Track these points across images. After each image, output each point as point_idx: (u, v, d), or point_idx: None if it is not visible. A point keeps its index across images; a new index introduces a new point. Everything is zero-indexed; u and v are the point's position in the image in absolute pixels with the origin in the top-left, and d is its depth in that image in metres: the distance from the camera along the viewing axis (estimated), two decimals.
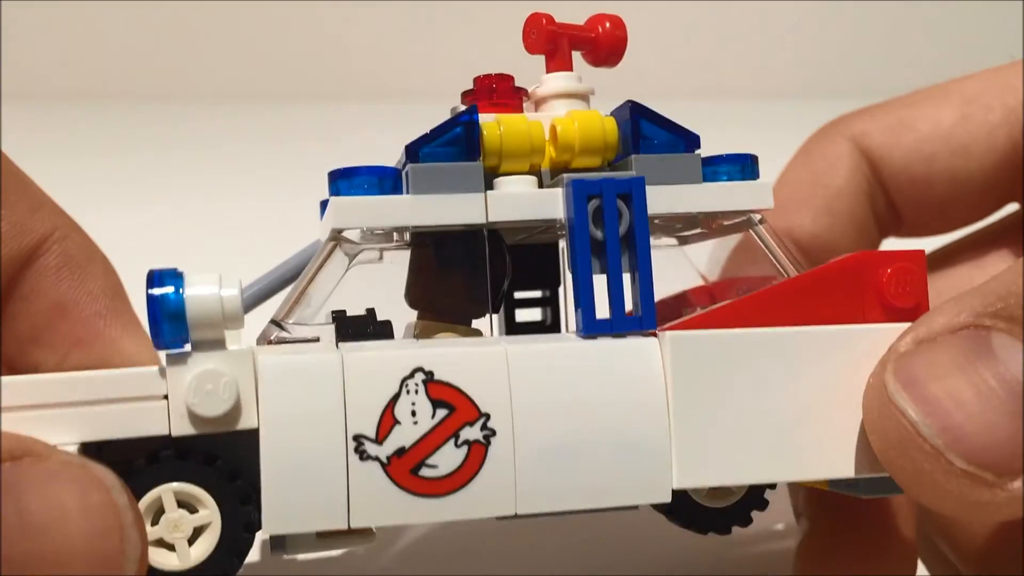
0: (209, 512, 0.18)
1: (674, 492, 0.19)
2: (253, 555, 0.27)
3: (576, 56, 0.23)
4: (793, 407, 0.19)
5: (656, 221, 0.22)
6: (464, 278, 0.21)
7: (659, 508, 0.21)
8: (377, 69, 0.54)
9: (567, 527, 0.28)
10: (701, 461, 0.19)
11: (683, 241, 0.26)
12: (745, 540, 0.29)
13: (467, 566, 0.27)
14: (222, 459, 0.18)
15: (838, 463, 0.19)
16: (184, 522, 0.18)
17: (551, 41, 0.22)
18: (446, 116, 0.20)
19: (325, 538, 0.20)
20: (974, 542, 0.26)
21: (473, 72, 0.22)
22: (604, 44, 0.23)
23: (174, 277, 0.18)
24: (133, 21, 0.54)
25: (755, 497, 0.21)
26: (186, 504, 0.18)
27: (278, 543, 0.20)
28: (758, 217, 0.22)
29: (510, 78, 0.22)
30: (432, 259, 0.22)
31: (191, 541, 0.18)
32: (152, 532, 0.17)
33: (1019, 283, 0.18)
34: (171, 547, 0.18)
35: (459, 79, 0.22)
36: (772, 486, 0.21)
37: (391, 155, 0.21)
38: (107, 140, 0.41)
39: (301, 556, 0.23)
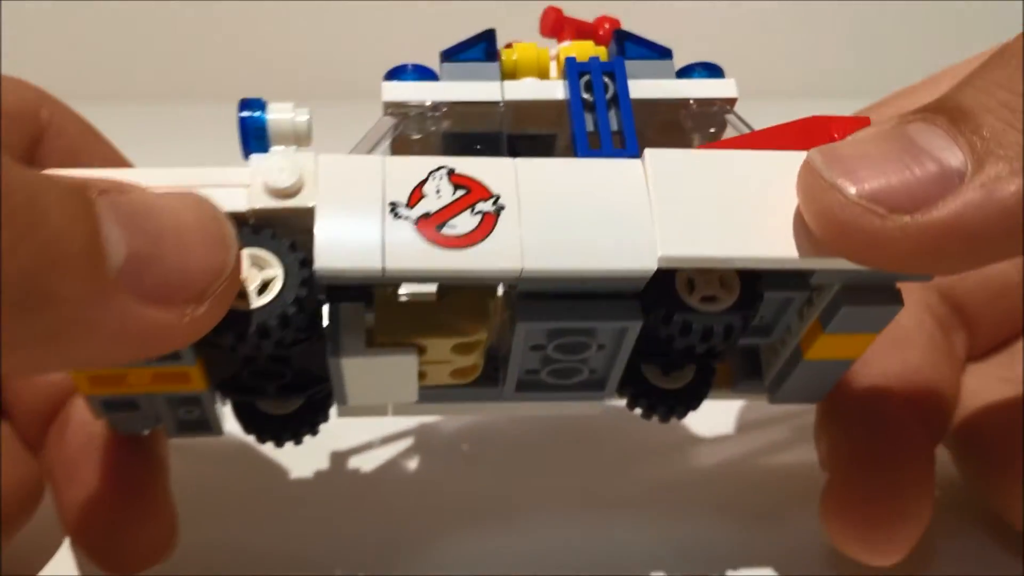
0: (275, 270, 0.22)
1: (659, 268, 0.22)
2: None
3: None
4: (752, 207, 0.23)
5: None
6: None
7: (626, 393, 0.26)
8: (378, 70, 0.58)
9: (567, 527, 0.30)
10: (679, 237, 0.22)
11: None
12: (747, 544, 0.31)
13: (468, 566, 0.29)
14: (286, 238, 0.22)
15: (788, 246, 0.22)
16: (254, 275, 0.22)
17: (557, 26, 0.29)
18: None
19: (374, 350, 0.24)
20: None
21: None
22: (604, 41, 0.29)
23: (259, 104, 0.23)
24: (135, 22, 0.57)
25: (701, 382, 0.26)
26: (257, 267, 0.22)
27: (333, 345, 0.23)
28: (729, 108, 0.26)
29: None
30: None
31: (260, 293, 0.22)
32: None
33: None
34: (243, 294, 0.22)
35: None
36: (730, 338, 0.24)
37: None
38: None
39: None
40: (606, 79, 0.25)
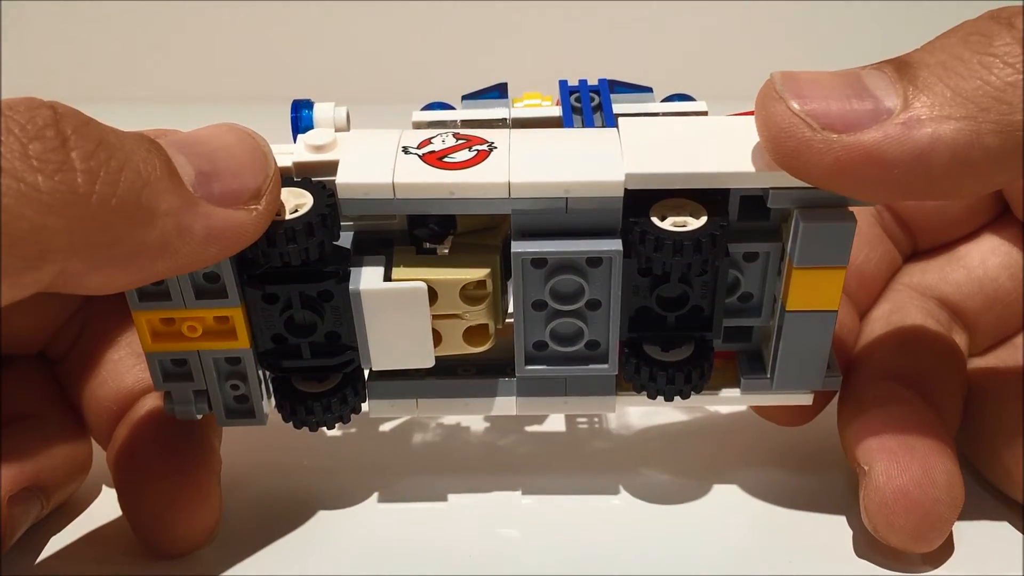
0: (306, 199, 0.26)
1: (627, 186, 0.26)
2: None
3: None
4: (709, 145, 0.27)
5: None
6: None
7: (629, 365, 0.29)
8: (379, 72, 0.57)
9: (570, 527, 0.31)
10: (644, 159, 0.26)
11: None
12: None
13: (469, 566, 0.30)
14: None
15: (736, 164, 0.26)
16: (290, 201, 0.26)
17: None
18: None
19: (389, 283, 0.27)
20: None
21: (475, 74, 0.33)
22: None
23: (308, 103, 0.29)
24: (137, 23, 0.58)
25: (700, 356, 0.29)
26: (294, 198, 0.27)
27: (355, 280, 0.27)
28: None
29: None
30: None
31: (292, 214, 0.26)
32: None
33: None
34: (280, 214, 0.26)
35: (461, 82, 0.33)
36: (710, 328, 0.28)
37: None
38: None
39: None
40: (592, 94, 0.31)
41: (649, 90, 0.32)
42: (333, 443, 0.36)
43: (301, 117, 0.29)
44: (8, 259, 0.20)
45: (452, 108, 0.32)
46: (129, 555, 0.30)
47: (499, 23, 0.62)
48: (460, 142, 0.27)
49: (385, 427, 0.36)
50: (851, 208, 0.27)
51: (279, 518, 0.32)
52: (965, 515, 0.29)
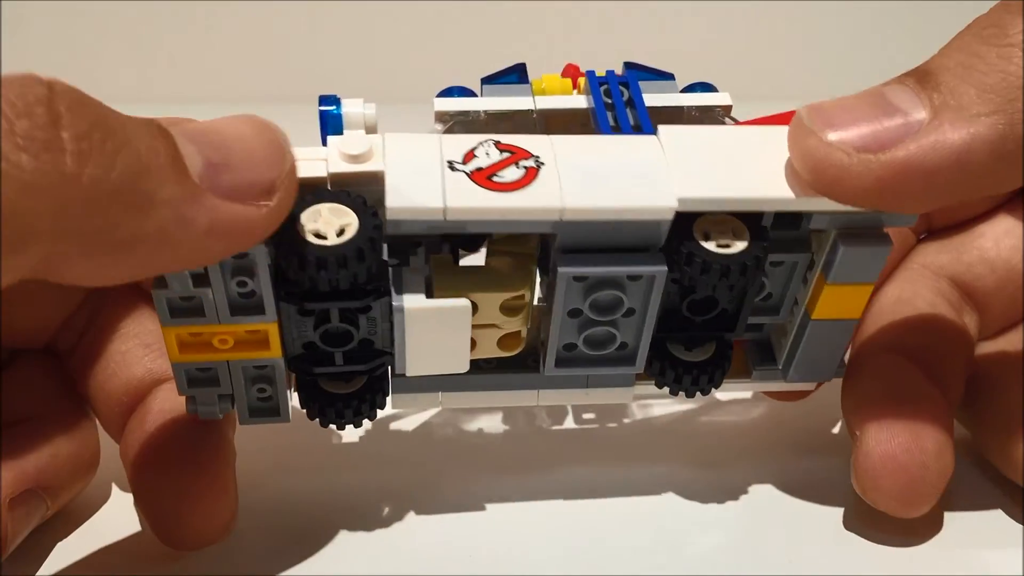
0: (351, 220, 0.25)
1: (678, 209, 0.26)
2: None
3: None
4: (752, 164, 0.27)
5: None
6: None
7: (654, 367, 0.29)
8: (388, 64, 0.58)
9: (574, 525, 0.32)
10: (694, 182, 0.26)
11: None
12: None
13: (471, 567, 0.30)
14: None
15: (784, 190, 0.26)
16: (333, 222, 0.25)
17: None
18: None
19: (433, 300, 0.27)
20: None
21: (490, 59, 0.32)
22: None
23: (335, 99, 0.28)
24: (140, 22, 0.58)
25: (721, 356, 0.29)
26: (336, 216, 0.26)
27: (398, 297, 0.27)
28: (726, 113, 0.31)
29: None
30: None
31: (339, 236, 0.25)
32: (311, 228, 0.25)
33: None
34: (324, 236, 0.25)
35: (476, 67, 0.32)
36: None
37: None
38: None
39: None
40: (621, 87, 0.30)
41: (671, 76, 0.31)
42: (351, 443, 0.35)
43: (329, 114, 0.28)
44: None
45: (471, 92, 0.30)
46: (138, 559, 0.30)
47: (513, 8, 0.60)
48: (505, 155, 0.26)
49: (404, 425, 0.36)
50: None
51: (298, 517, 0.32)
52: (965, 498, 0.31)
